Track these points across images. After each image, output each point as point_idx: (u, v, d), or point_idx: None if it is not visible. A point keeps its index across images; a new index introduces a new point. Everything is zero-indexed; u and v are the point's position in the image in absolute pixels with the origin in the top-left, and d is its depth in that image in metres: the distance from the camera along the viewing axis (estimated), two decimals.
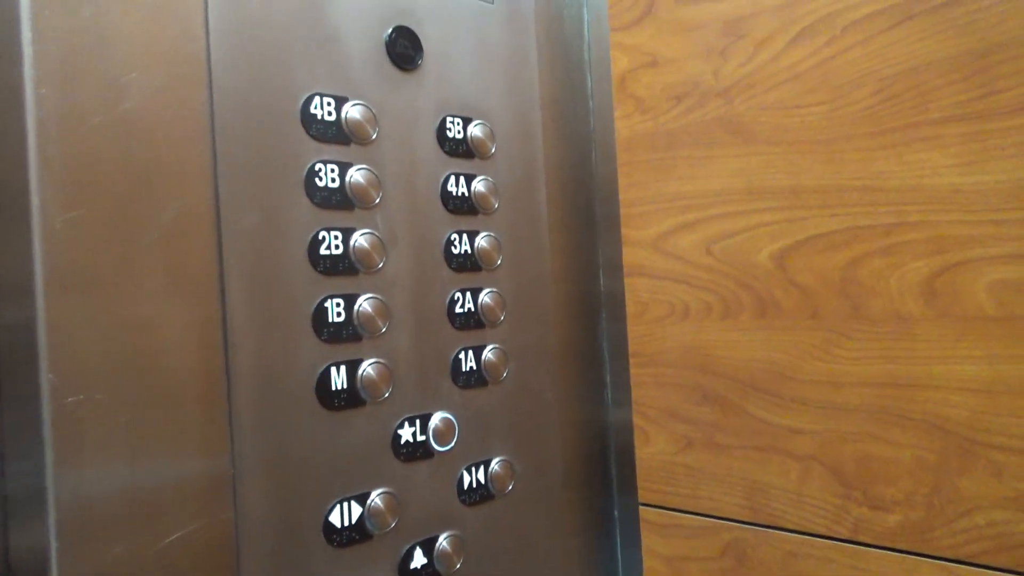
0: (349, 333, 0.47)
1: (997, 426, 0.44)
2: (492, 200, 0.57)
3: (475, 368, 0.55)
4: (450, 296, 0.54)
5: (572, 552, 0.63)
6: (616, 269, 0.65)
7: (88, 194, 0.37)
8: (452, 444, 0.53)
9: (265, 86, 0.44)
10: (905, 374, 0.48)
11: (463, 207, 0.55)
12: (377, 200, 0.49)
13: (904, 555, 0.48)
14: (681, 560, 0.60)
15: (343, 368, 0.47)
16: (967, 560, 0.46)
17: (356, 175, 0.48)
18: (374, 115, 0.49)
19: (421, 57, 0.53)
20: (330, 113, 0.47)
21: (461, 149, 0.55)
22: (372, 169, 0.49)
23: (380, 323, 0.48)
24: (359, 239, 0.48)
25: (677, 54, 0.59)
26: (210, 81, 0.42)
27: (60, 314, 0.36)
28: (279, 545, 0.43)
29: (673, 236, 0.60)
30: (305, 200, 0.46)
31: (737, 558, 0.56)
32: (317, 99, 0.47)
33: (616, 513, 0.68)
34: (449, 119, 0.54)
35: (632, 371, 0.63)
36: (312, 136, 0.46)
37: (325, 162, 0.47)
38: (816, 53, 0.51)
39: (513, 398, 0.58)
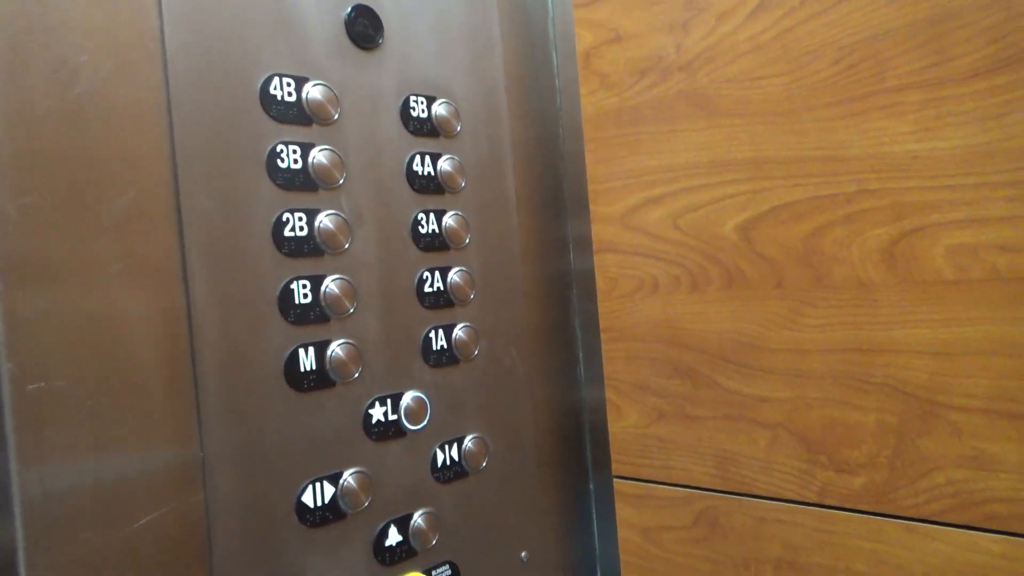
0: (316, 314, 0.47)
1: (956, 387, 0.45)
2: (459, 179, 0.56)
3: (446, 347, 0.55)
4: (419, 275, 0.54)
5: (548, 526, 0.64)
6: (586, 246, 0.65)
7: (40, 179, 0.37)
8: (425, 423, 0.53)
9: (222, 67, 0.44)
10: (867, 339, 0.49)
11: (429, 186, 0.55)
12: (341, 181, 0.49)
13: (869, 516, 0.49)
14: (655, 530, 0.61)
15: (311, 350, 0.47)
16: (930, 519, 0.47)
17: (319, 156, 0.48)
18: (335, 95, 0.49)
19: (382, 36, 0.52)
20: (290, 94, 0.47)
21: (426, 128, 0.55)
22: (335, 150, 0.49)
23: (347, 304, 0.48)
24: (324, 220, 0.48)
25: (640, 28, 0.59)
26: (165, 63, 0.41)
27: (16, 301, 0.35)
28: (251, 526, 0.43)
29: (641, 211, 0.60)
30: (267, 182, 0.45)
31: (709, 525, 0.57)
32: (276, 80, 0.46)
33: (591, 487, 0.68)
34: (413, 98, 0.54)
35: (604, 346, 0.63)
36: (272, 117, 0.46)
37: (287, 143, 0.46)
38: (776, 24, 0.51)
39: (485, 376, 0.58)
